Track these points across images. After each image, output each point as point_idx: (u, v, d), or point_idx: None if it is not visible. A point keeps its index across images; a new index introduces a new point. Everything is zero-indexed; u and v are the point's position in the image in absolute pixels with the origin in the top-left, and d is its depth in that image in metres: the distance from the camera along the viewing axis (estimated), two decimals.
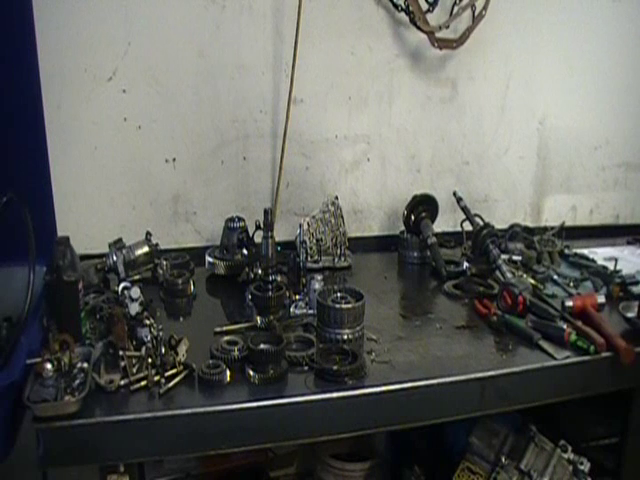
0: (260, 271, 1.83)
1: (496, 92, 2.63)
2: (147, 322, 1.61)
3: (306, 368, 1.59)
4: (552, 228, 2.66)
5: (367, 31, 2.38)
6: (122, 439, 1.39)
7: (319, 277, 1.94)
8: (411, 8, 2.32)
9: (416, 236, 2.41)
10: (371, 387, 1.53)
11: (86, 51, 2.08)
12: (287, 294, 1.86)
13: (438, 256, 2.28)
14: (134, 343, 1.58)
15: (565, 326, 1.78)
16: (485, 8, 2.44)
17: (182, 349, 1.57)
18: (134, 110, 2.18)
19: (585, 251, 2.53)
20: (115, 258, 1.97)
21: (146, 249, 2.04)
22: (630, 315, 1.89)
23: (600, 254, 2.51)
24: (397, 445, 2.29)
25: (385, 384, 1.54)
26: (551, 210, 2.85)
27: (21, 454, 1.44)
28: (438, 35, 2.40)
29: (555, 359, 1.69)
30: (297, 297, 1.92)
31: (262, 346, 1.57)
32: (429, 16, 2.36)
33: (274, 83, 2.31)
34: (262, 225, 1.80)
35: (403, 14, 2.35)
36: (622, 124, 2.85)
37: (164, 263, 2.07)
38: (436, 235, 2.36)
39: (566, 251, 2.49)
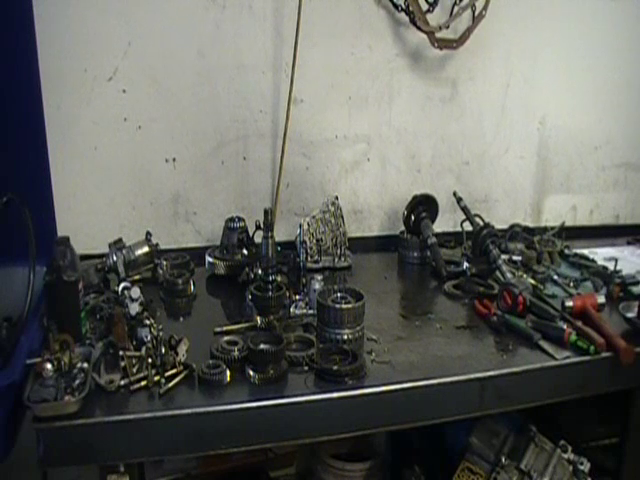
0: (260, 271, 1.83)
1: (496, 92, 2.63)
2: (147, 322, 1.61)
3: (306, 368, 1.59)
4: (552, 228, 2.66)
5: (367, 31, 2.38)
6: (122, 439, 1.39)
7: (319, 277, 1.94)
8: (411, 8, 2.32)
9: (416, 236, 2.41)
10: (371, 387, 1.53)
11: (86, 51, 2.08)
12: (287, 294, 1.86)
13: (438, 256, 2.28)
14: (134, 343, 1.58)
15: (565, 326, 1.78)
16: (485, 8, 2.44)
17: (182, 349, 1.57)
18: (134, 110, 2.18)
19: (585, 251, 2.53)
20: (115, 258, 1.97)
21: (146, 249, 2.03)
22: (630, 315, 1.89)
23: (600, 254, 2.51)
24: (397, 445, 2.29)
25: (385, 384, 1.54)
26: (551, 210, 2.85)
27: (21, 454, 1.44)
28: (438, 35, 2.40)
29: (555, 359, 1.69)
30: (297, 297, 1.92)
31: (262, 346, 1.57)
32: (429, 16, 2.36)
33: (274, 83, 2.31)
34: (262, 225, 1.80)
35: (403, 14, 2.35)
36: (622, 124, 2.85)
37: (164, 263, 2.07)
38: (436, 235, 2.36)
39: (566, 251, 2.49)
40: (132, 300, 1.65)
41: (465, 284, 2.15)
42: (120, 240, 2.03)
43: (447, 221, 2.61)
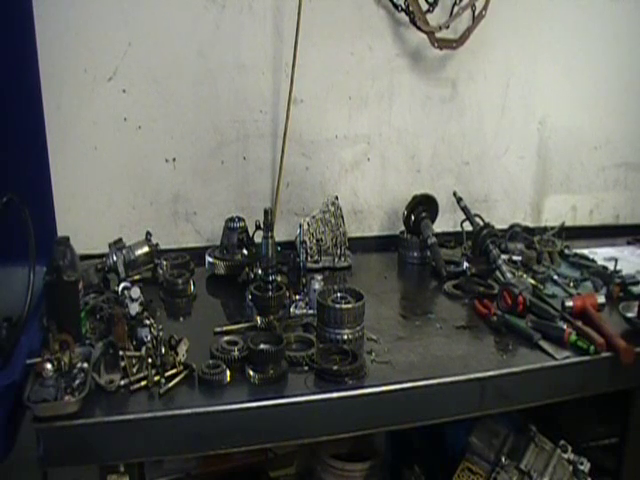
0: (260, 271, 1.83)
1: (496, 92, 2.63)
2: (147, 322, 1.61)
3: (306, 368, 1.59)
4: (552, 228, 2.66)
5: (367, 31, 2.38)
6: (122, 439, 1.39)
7: (319, 277, 1.94)
8: (411, 8, 2.32)
9: (416, 236, 2.41)
10: (371, 387, 1.53)
11: (86, 51, 2.08)
12: (287, 294, 1.86)
13: (438, 256, 2.28)
14: (134, 343, 1.58)
15: (565, 326, 1.78)
16: (485, 8, 2.44)
17: (182, 349, 1.57)
18: (134, 110, 2.18)
19: (585, 251, 2.53)
20: (115, 258, 1.97)
21: (146, 249, 2.03)
22: (630, 315, 1.89)
23: (600, 254, 2.51)
24: (397, 445, 2.28)
25: (385, 384, 1.54)
26: (551, 210, 2.85)
27: (21, 454, 1.44)
28: (438, 35, 2.40)
29: (555, 359, 1.69)
30: (297, 297, 1.92)
31: (262, 346, 1.57)
32: (429, 16, 2.36)
33: (274, 83, 2.31)
34: (262, 225, 1.80)
35: (403, 14, 2.35)
36: (622, 124, 2.85)
37: (164, 263, 2.07)
38: (436, 235, 2.36)
39: (566, 251, 2.49)
40: (132, 300, 1.65)
41: (465, 284, 2.15)
42: (120, 240, 2.03)
43: (447, 221, 2.61)
